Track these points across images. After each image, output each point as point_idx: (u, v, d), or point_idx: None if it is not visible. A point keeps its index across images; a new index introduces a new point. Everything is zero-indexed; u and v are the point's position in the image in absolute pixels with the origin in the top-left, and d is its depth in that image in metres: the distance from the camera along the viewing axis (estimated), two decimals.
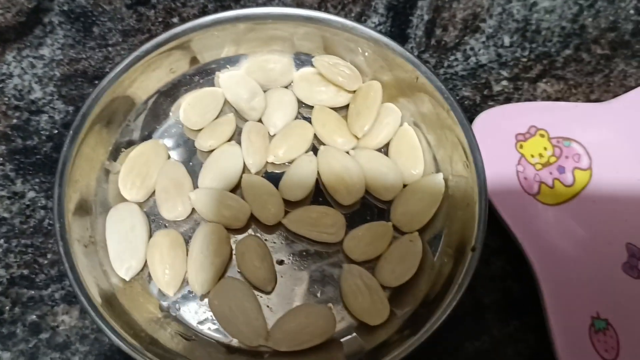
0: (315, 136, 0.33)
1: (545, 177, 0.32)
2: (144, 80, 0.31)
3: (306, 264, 0.31)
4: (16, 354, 0.30)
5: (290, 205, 0.31)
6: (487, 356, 0.30)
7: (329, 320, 0.29)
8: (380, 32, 0.30)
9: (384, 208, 0.32)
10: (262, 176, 0.32)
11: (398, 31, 0.36)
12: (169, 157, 0.32)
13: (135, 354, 0.26)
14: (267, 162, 0.32)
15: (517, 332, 0.31)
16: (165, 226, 0.31)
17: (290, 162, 0.32)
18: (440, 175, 0.31)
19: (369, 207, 0.32)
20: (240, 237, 0.31)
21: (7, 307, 0.30)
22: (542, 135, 0.33)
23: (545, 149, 0.33)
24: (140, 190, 0.31)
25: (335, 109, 0.34)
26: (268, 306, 0.30)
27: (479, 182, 0.29)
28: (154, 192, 0.31)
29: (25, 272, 0.31)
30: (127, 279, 0.30)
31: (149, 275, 0.30)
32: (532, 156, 0.32)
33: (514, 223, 0.31)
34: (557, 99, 0.36)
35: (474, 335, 0.31)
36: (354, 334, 0.30)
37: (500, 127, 0.33)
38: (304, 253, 0.31)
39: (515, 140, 0.32)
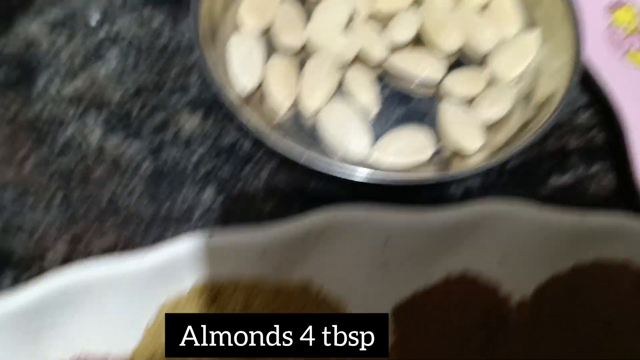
0: None
1: (634, 42, 0.34)
2: None
3: (406, 99, 0.34)
4: (145, 144, 0.33)
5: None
6: (571, 190, 0.33)
7: (428, 137, 0.32)
8: None
9: (480, 61, 0.35)
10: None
11: None
12: None
13: (262, 138, 0.29)
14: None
15: (600, 172, 0.33)
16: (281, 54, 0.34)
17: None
18: (537, 31, 0.34)
19: (466, 58, 0.35)
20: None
21: (136, 110, 0.34)
22: (628, 10, 0.35)
23: (633, 17, 0.35)
24: (261, 20, 0.34)
25: None
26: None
27: (574, 35, 0.31)
28: (272, 23, 0.35)
29: (155, 79, 0.34)
30: (244, 95, 0.33)
31: (264, 95, 0.33)
32: (622, 23, 0.35)
33: (602, 75, 0.33)
34: None
35: (559, 172, 0.33)
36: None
37: None
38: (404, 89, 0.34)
39: (609, 6, 0.35)
